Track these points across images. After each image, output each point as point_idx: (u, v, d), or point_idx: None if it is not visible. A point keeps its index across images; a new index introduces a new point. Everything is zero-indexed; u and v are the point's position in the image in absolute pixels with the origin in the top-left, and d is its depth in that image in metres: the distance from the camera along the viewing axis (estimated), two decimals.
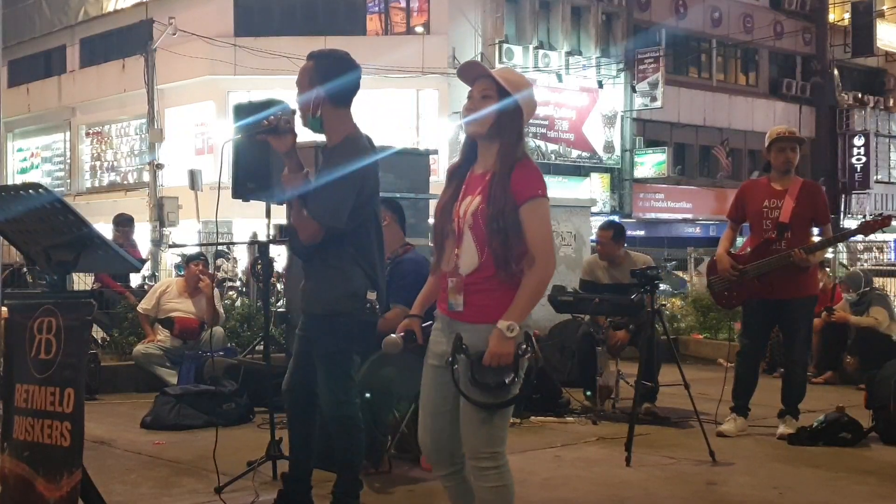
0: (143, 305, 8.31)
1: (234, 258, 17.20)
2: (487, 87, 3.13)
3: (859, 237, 7.56)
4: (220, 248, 16.27)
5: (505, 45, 25.27)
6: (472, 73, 3.20)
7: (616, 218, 17.36)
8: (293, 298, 7.82)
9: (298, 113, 4.00)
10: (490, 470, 3.09)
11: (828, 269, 10.92)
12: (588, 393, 7.05)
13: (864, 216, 26.90)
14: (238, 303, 10.09)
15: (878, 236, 23.40)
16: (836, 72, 33.37)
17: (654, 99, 27.58)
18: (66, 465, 3.33)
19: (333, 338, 4.00)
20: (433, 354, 3.23)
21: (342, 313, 3.99)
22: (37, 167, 32.39)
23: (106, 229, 9.88)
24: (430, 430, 3.23)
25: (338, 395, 4.04)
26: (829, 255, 12.32)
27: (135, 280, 11.17)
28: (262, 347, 6.93)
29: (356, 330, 4.04)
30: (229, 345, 8.29)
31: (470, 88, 3.20)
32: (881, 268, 13.88)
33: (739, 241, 7.25)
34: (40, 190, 3.47)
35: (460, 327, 3.13)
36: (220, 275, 11.97)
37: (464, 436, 3.13)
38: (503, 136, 3.12)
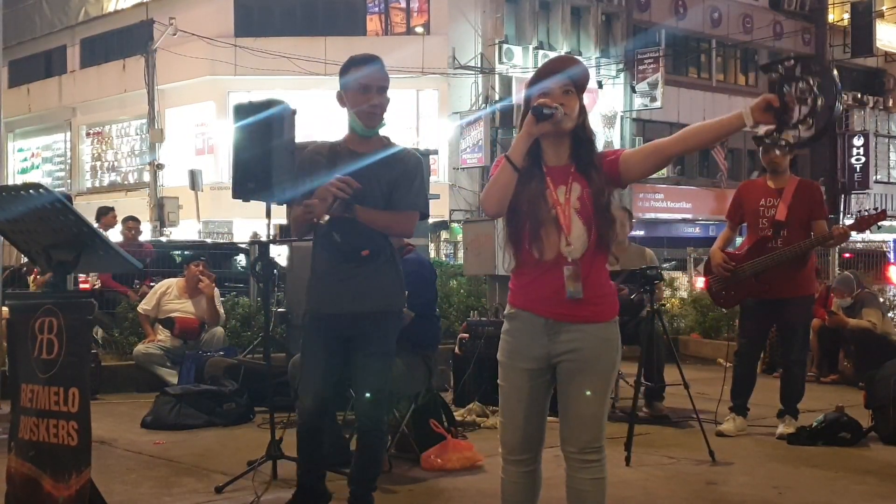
0: (144, 306, 8.33)
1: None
2: (567, 83, 3.17)
3: (858, 235, 7.57)
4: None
5: (505, 46, 25.29)
6: (563, 67, 3.21)
7: None
8: (294, 299, 7.82)
9: (374, 113, 3.91)
10: (595, 462, 3.19)
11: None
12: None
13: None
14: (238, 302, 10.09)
15: (877, 236, 23.40)
16: (835, 72, 33.34)
17: (653, 99, 27.59)
18: (74, 465, 3.34)
19: (390, 335, 4.00)
20: (525, 357, 3.19)
21: (402, 312, 4.08)
22: (37, 167, 32.41)
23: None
24: (522, 431, 3.24)
25: (383, 401, 4.01)
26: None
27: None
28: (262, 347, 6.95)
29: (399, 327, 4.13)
30: (229, 345, 8.31)
31: (537, 82, 3.19)
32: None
33: (739, 240, 7.26)
34: (41, 190, 3.48)
35: (564, 327, 3.14)
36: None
37: (574, 432, 3.19)
38: (583, 130, 3.20)
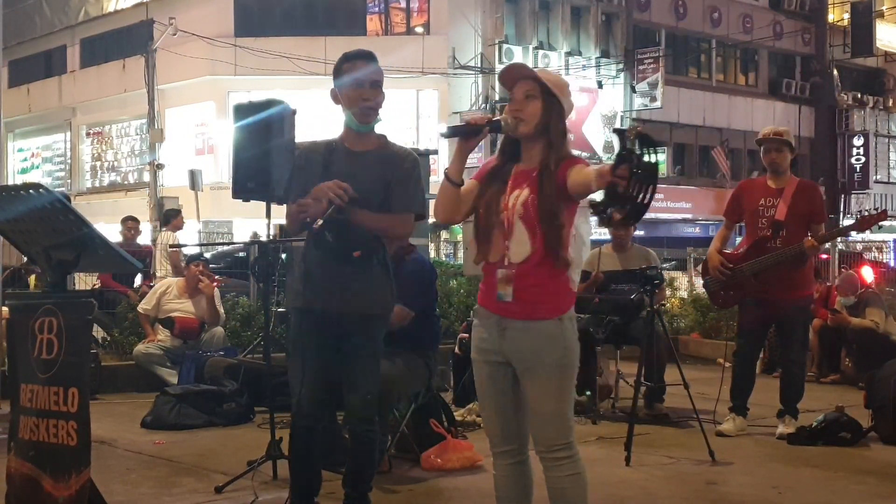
0: (144, 306, 8.33)
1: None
2: (531, 88, 3.22)
3: (858, 236, 7.58)
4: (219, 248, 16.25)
5: (505, 46, 25.28)
6: (514, 74, 3.29)
7: None
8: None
9: (368, 108, 3.90)
10: (565, 460, 3.21)
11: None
12: (588, 393, 7.05)
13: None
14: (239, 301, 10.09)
15: (877, 235, 23.41)
16: (835, 72, 33.37)
17: (653, 99, 27.59)
18: (74, 464, 3.35)
19: (377, 337, 3.99)
20: (484, 351, 3.30)
21: (387, 312, 4.05)
22: (37, 167, 32.41)
23: (107, 229, 9.95)
24: (496, 422, 3.33)
25: (374, 400, 3.97)
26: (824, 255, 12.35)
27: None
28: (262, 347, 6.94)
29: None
30: (229, 345, 8.31)
31: (511, 91, 3.28)
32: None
33: (739, 240, 7.27)
34: (41, 190, 3.48)
35: (509, 324, 3.21)
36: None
37: (536, 431, 3.24)
38: (549, 135, 3.22)
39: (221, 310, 8.44)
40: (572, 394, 3.27)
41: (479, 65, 25.38)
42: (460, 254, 15.99)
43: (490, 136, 3.33)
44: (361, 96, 3.85)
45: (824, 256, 11.23)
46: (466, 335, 7.23)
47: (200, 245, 13.70)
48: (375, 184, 3.86)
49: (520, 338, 3.19)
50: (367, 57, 3.90)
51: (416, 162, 4.02)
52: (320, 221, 3.71)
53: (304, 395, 3.93)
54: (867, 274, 10.26)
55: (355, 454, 4.04)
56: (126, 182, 29.08)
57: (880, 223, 6.51)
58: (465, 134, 3.22)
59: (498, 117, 3.19)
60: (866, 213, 6.44)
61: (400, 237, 4.09)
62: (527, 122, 3.20)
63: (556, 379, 3.20)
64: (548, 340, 3.18)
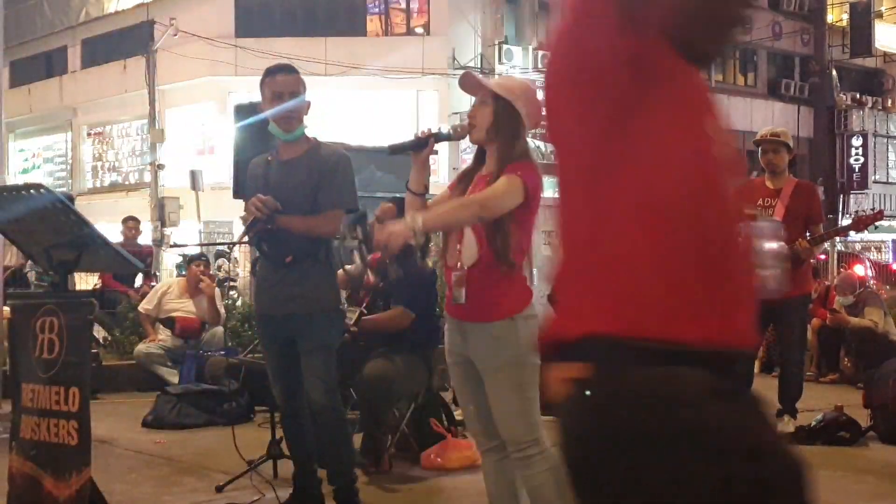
0: (145, 305, 8.35)
1: (235, 258, 17.20)
2: (483, 95, 3.36)
3: (857, 236, 7.59)
4: (220, 247, 16.28)
5: (505, 46, 25.28)
6: (469, 83, 3.44)
7: None
8: None
9: (287, 118, 4.07)
10: (536, 457, 3.25)
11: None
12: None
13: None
14: (239, 302, 10.11)
15: (875, 235, 23.41)
16: (834, 72, 33.37)
17: None
18: (74, 464, 3.36)
19: (330, 331, 4.15)
20: (453, 354, 3.40)
21: (336, 308, 4.22)
22: (38, 167, 32.40)
23: (108, 229, 9.95)
24: (479, 422, 3.40)
25: (331, 389, 4.11)
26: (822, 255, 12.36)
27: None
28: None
29: (342, 322, 4.36)
30: (230, 344, 8.32)
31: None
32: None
33: None
34: (42, 190, 3.50)
35: (468, 328, 3.30)
36: (220, 274, 12.01)
37: (503, 431, 3.29)
38: (499, 139, 3.30)
39: (222, 310, 8.46)
40: (535, 392, 3.28)
41: (479, 65, 25.38)
42: None
43: None
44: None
45: (822, 256, 11.27)
46: None
47: (200, 244, 13.73)
48: (305, 188, 4.04)
49: (477, 340, 3.27)
50: (286, 70, 4.18)
51: (342, 159, 4.14)
52: (245, 238, 4.09)
53: (276, 391, 4.26)
54: (859, 271, 10.35)
55: (322, 433, 4.19)
56: (127, 182, 29.08)
57: (877, 223, 6.52)
58: (409, 149, 3.37)
59: (447, 127, 3.33)
60: (863, 214, 6.46)
61: (329, 235, 4.20)
62: (478, 129, 3.32)
63: (514, 377, 3.24)
64: (501, 341, 3.23)
